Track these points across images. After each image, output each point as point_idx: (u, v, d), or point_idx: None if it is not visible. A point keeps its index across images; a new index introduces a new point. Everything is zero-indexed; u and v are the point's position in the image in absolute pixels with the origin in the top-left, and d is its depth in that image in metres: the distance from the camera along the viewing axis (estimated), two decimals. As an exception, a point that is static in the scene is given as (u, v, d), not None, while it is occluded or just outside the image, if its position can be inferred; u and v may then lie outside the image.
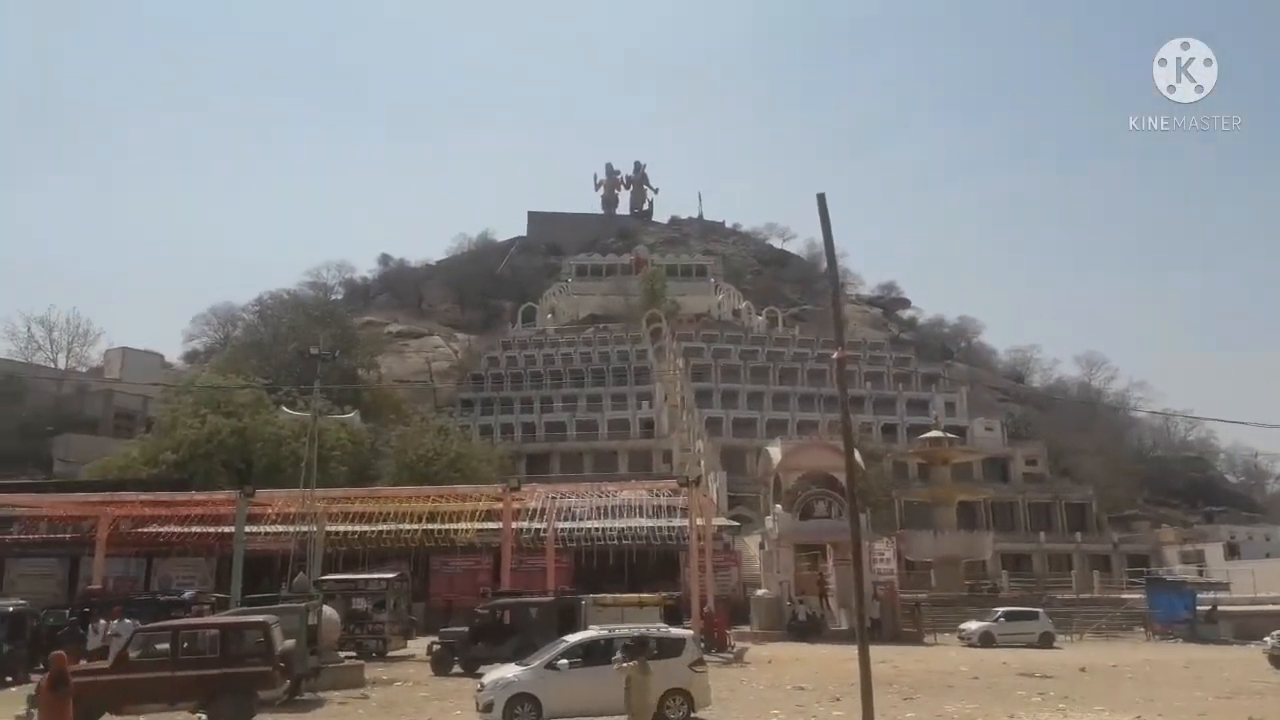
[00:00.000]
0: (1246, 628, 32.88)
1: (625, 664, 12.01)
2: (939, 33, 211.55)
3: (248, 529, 29.49)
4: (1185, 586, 38.80)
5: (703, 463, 57.20)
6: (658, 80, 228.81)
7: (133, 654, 14.84)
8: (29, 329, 76.94)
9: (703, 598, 28.57)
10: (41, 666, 18.04)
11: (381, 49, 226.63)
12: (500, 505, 29.97)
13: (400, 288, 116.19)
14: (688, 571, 30.55)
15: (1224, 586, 43.32)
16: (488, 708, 14.33)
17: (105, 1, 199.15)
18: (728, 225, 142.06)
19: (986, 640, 31.67)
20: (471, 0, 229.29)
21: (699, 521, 29.96)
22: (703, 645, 20.97)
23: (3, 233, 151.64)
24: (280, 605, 20.03)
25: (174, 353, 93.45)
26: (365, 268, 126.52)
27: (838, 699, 16.91)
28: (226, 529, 32.82)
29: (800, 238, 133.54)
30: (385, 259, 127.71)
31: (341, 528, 34.51)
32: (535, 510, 34.14)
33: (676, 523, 35.42)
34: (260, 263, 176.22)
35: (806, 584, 35.98)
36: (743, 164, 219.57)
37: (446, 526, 33.34)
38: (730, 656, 26.27)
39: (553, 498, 33.02)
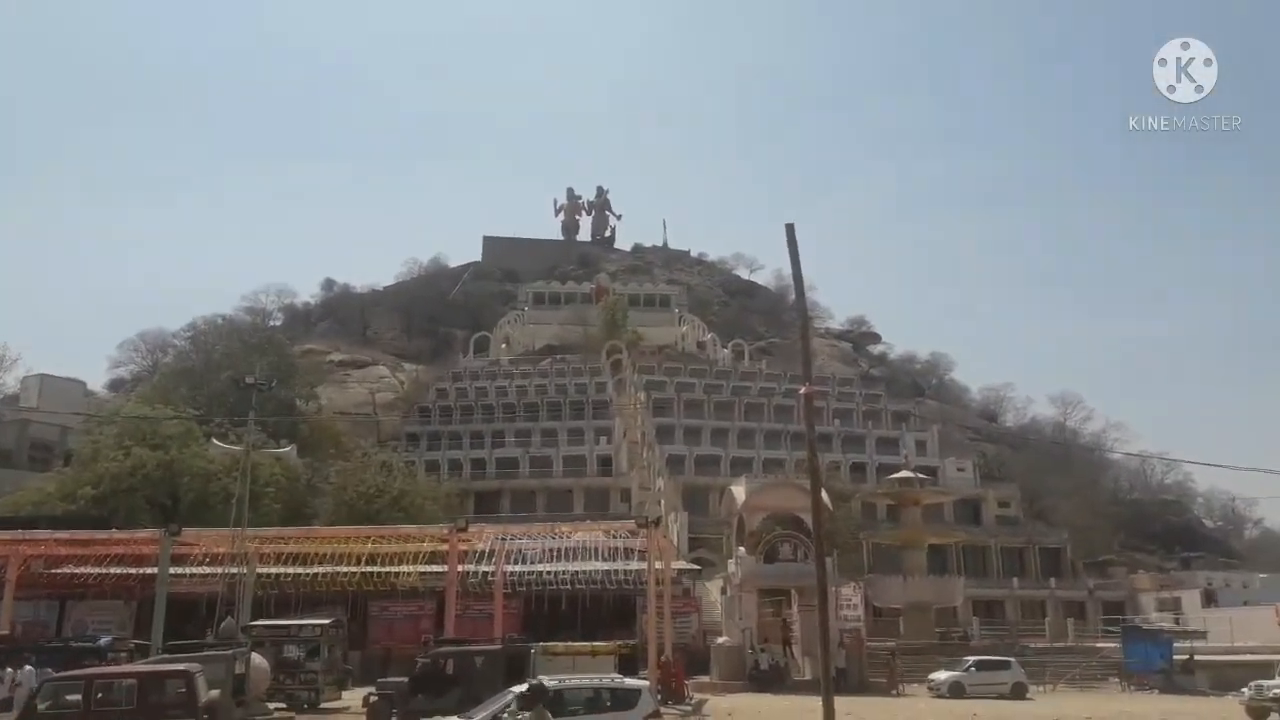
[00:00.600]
0: (1224, 678, 32.89)
1: (522, 715, 11.51)
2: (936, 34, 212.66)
3: (172, 570, 28.85)
4: (1162, 635, 38.92)
5: (663, 502, 57.35)
6: (626, 109, 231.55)
7: (41, 706, 14.30)
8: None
9: (660, 646, 28.28)
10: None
11: (333, 72, 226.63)
12: (446, 547, 29.44)
13: (344, 314, 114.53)
14: (645, 618, 30.03)
15: (1201, 635, 43.57)
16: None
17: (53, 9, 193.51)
18: (693, 254, 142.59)
19: (956, 691, 31.54)
20: (426, 25, 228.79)
21: (658, 565, 29.51)
22: (659, 696, 21.17)
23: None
24: (205, 653, 19.68)
25: (98, 380, 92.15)
26: (307, 293, 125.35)
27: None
28: (149, 570, 31.69)
29: (768, 268, 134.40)
30: (329, 284, 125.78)
31: (273, 570, 33.96)
32: (483, 552, 33.68)
33: (634, 566, 35.04)
34: (195, 288, 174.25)
35: (770, 631, 35.78)
36: (709, 193, 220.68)
37: (387, 569, 32.72)
38: (689, 708, 26.08)
39: (502, 539, 32.62)
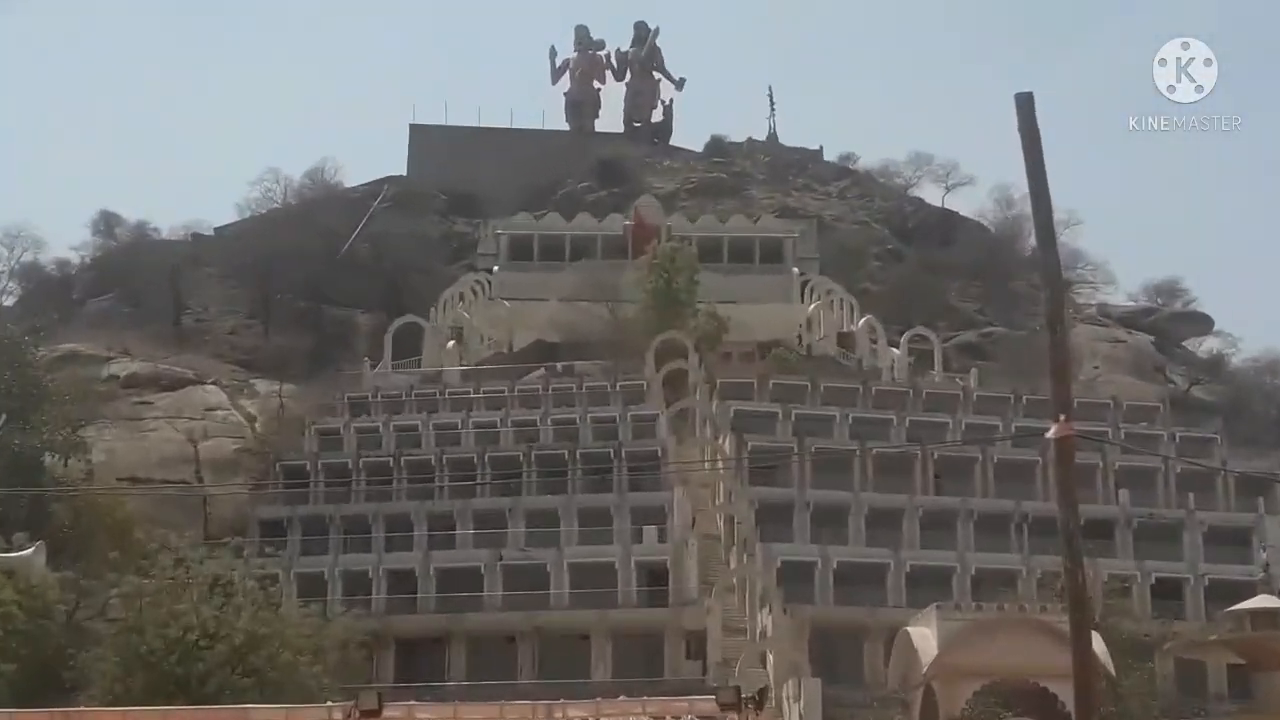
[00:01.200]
0: None
1: None
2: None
3: None
4: None
5: (771, 659, 51.82)
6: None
7: None
8: None
9: None
10: None
11: None
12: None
13: (138, 283, 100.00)
14: None
15: None
16: None
17: None
18: (827, 158, 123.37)
19: None
20: None
21: (766, 789, 24.95)
22: None
23: None
24: None
25: None
26: (67, 241, 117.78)
27: None
28: None
29: (981, 185, 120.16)
30: (105, 224, 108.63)
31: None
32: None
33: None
34: None
35: None
36: (857, 42, 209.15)
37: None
38: None
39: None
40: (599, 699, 27.93)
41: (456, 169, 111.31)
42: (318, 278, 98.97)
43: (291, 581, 54.37)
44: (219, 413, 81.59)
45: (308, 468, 67.27)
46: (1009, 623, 32.45)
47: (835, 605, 56.83)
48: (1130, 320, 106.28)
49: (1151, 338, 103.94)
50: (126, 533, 54.56)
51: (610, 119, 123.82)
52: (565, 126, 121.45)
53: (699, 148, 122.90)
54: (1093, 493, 59.94)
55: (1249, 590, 42.72)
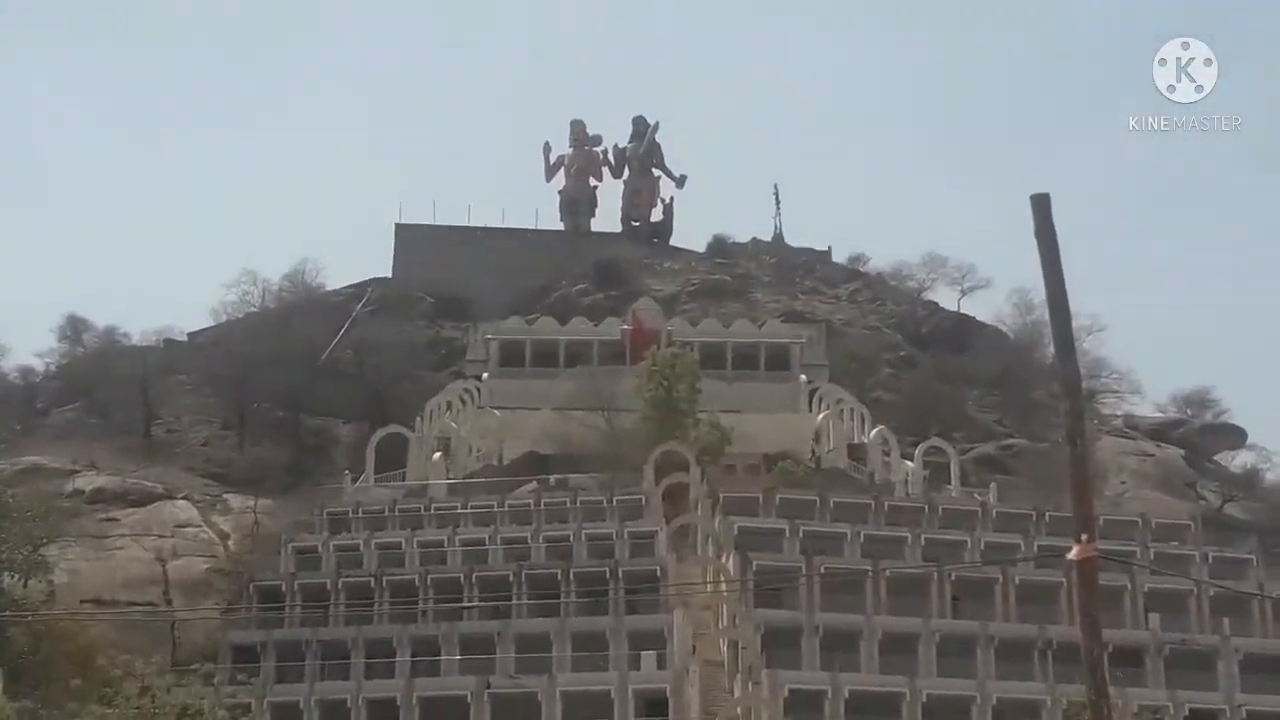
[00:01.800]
0: None
1: None
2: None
3: None
4: None
5: None
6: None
7: None
8: None
9: None
10: None
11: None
12: None
13: (106, 390, 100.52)
14: None
15: None
16: None
17: None
18: (836, 259, 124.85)
19: None
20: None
21: None
22: None
23: None
24: None
25: None
26: (31, 347, 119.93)
27: None
28: None
29: (998, 286, 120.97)
30: (74, 328, 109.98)
31: None
32: None
33: None
34: None
35: None
36: (861, 139, 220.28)
37: None
38: None
39: None
40: None
41: (444, 270, 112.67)
42: (296, 386, 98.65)
43: (265, 711, 53.64)
44: (190, 530, 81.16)
45: (283, 588, 66.97)
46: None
47: (845, 735, 56.92)
48: (1159, 433, 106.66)
49: (1182, 451, 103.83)
50: (89, 659, 53.99)
51: (607, 218, 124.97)
52: (560, 226, 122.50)
53: (701, 248, 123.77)
54: (1120, 617, 59.90)
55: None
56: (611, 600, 63.79)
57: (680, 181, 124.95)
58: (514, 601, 64.36)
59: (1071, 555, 10.90)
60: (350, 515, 74.74)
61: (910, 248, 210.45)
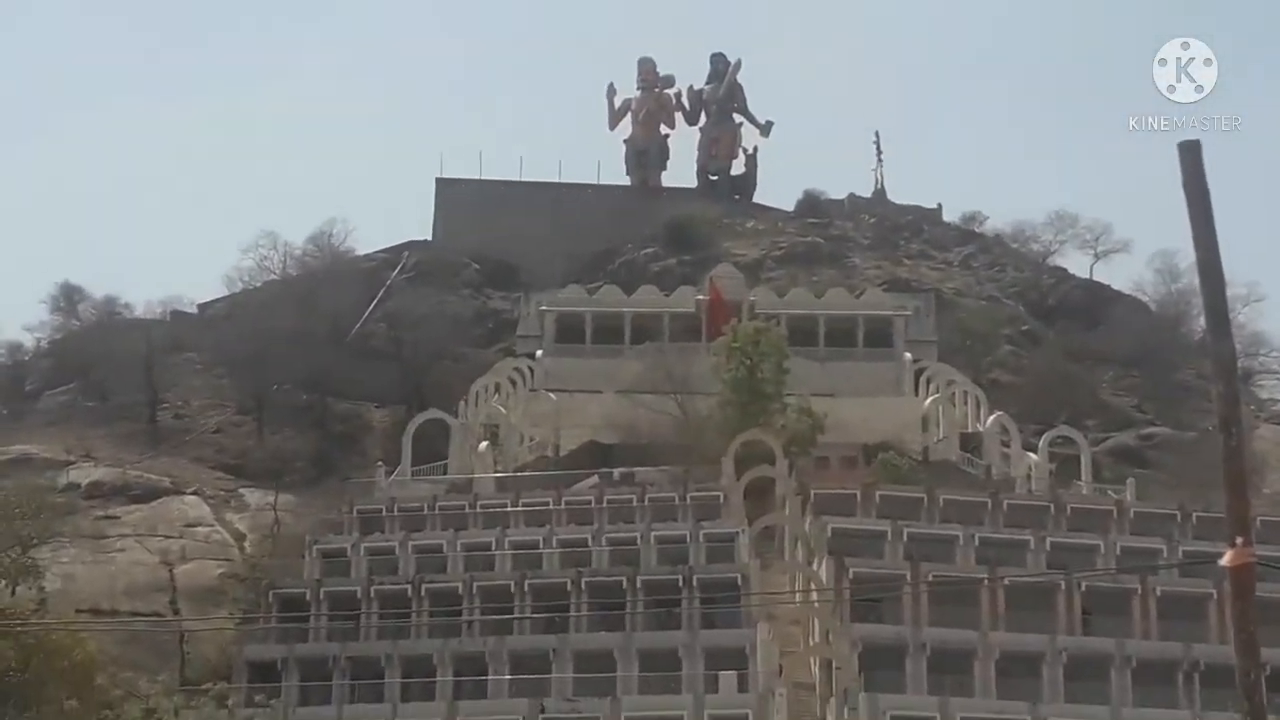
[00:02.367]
0: None
1: None
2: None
3: None
4: None
5: None
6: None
7: None
8: None
9: None
10: None
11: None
12: None
13: (103, 370, 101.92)
14: None
15: None
16: None
17: None
18: (947, 218, 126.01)
19: None
20: None
21: None
22: None
23: None
24: None
25: None
26: (20, 320, 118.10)
27: None
28: None
29: (1135, 251, 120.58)
30: (69, 298, 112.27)
31: None
32: None
33: None
34: None
35: None
36: (970, 97, 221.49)
37: None
38: None
39: None
40: None
41: (492, 232, 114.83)
42: (322, 365, 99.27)
43: (286, 738, 54.41)
44: (200, 529, 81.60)
45: (307, 597, 66.29)
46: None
47: (959, 779, 56.62)
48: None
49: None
50: (87, 677, 53.49)
51: (681, 171, 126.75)
52: (626, 180, 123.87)
53: (789, 206, 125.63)
54: (1280, 633, 58.41)
55: None
56: (685, 612, 63.03)
57: (766, 129, 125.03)
58: (572, 613, 63.61)
59: (1224, 561, 10.43)
60: (384, 513, 74.47)
61: (1035, 205, 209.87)
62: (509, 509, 75.04)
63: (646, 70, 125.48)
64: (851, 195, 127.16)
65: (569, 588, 65.42)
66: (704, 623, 63.48)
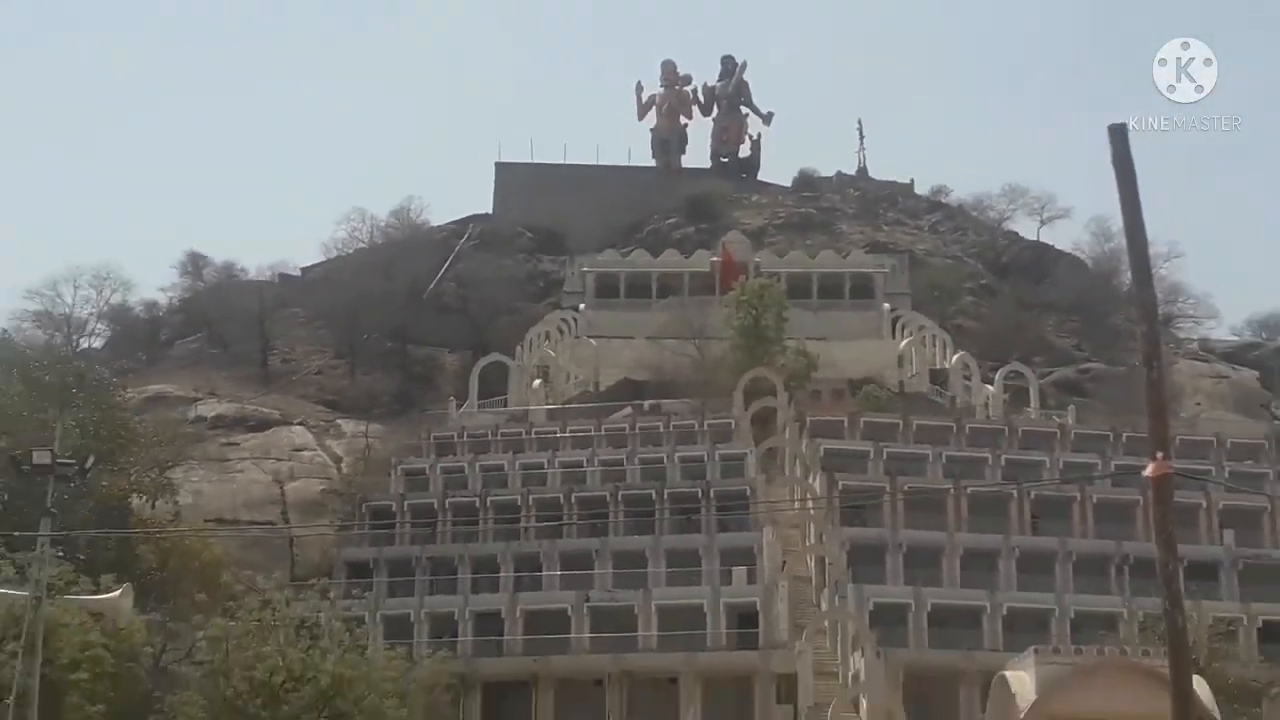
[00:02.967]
0: None
1: None
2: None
3: None
4: None
5: (864, 703, 52.29)
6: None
7: None
8: None
9: None
10: None
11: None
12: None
13: (225, 324, 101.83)
14: None
15: None
16: None
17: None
18: (919, 191, 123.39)
19: None
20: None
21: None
22: None
23: None
24: None
25: None
26: (155, 282, 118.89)
27: None
28: None
29: (1076, 216, 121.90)
30: (195, 264, 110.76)
31: None
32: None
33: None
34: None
35: None
36: (939, 89, 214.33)
37: None
38: None
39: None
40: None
41: (542, 207, 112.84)
42: (403, 318, 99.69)
43: (378, 623, 55.22)
44: (305, 453, 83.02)
45: (393, 508, 67.67)
46: (1109, 667, 33.53)
47: (930, 649, 55.95)
48: (1234, 356, 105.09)
49: (1256, 373, 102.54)
50: (213, 575, 55.76)
51: (697, 154, 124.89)
52: (652, 163, 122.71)
53: (787, 182, 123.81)
54: (1196, 533, 59.72)
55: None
56: (704, 519, 63.78)
57: (767, 118, 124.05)
58: (611, 520, 64.53)
59: (1147, 473, 10.60)
60: (456, 439, 75.15)
61: (991, 179, 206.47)
62: (558, 435, 75.54)
63: (668, 70, 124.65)
64: (839, 173, 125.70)
65: (608, 499, 65.87)
66: (719, 527, 63.85)
